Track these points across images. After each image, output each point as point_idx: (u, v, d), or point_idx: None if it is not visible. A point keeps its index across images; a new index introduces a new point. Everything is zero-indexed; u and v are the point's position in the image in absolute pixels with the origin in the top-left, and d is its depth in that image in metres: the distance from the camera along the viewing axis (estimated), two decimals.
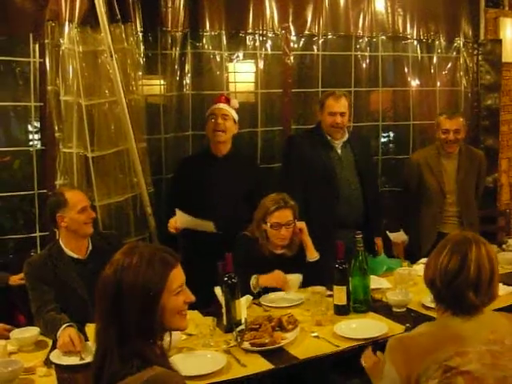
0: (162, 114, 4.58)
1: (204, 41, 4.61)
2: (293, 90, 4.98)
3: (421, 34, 5.37)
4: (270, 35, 4.83)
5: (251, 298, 3.36)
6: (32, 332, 2.94)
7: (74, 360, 2.68)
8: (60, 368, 2.64)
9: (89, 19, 4.03)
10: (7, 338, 2.97)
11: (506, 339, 1.97)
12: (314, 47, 5.00)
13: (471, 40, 5.57)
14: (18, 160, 4.23)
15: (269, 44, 4.85)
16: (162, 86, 4.59)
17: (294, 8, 4.90)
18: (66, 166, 4.05)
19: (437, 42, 5.44)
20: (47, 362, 2.68)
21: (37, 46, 4.07)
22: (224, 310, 3.01)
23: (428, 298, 3.24)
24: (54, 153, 4.10)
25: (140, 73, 4.37)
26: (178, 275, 1.80)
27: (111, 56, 3.93)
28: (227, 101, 4.16)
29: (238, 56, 4.81)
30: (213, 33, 4.63)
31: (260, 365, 2.60)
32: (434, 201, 4.63)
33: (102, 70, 4.09)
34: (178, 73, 4.58)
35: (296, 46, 4.96)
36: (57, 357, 2.72)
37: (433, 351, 1.91)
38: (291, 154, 4.37)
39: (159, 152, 4.59)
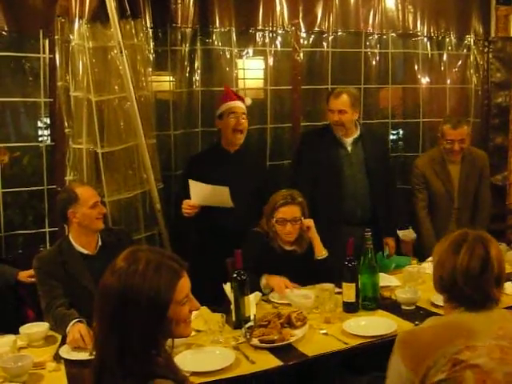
0: (171, 110, 4.58)
1: (214, 37, 4.60)
2: (302, 87, 4.96)
3: (431, 31, 5.34)
4: (279, 32, 4.82)
5: (260, 294, 3.36)
6: (41, 327, 2.95)
7: (83, 355, 2.68)
8: (69, 363, 2.64)
9: (99, 15, 4.05)
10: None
11: None
12: (324, 44, 4.99)
13: (482, 37, 5.52)
14: (27, 156, 4.24)
15: (278, 41, 4.84)
16: (172, 83, 4.59)
17: (303, 4, 4.88)
18: (76, 162, 4.06)
19: (447, 40, 5.41)
20: (57, 357, 2.69)
21: (47, 41, 4.09)
22: (233, 307, 3.01)
23: (437, 296, 3.25)
24: (64, 149, 4.11)
25: (150, 69, 4.38)
26: (185, 285, 1.73)
27: (121, 52, 3.93)
28: (238, 97, 4.15)
29: (247, 52, 4.80)
30: (222, 29, 4.63)
31: (269, 361, 2.60)
32: (442, 206, 4.62)
33: (112, 65, 4.10)
34: (188, 69, 4.57)
35: (306, 42, 4.94)
36: (66, 352, 2.73)
37: (442, 345, 1.91)
38: (301, 151, 4.39)
39: (168, 148, 4.59)
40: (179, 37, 4.50)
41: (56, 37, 4.03)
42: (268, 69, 4.84)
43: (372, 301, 3.20)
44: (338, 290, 3.24)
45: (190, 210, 3.87)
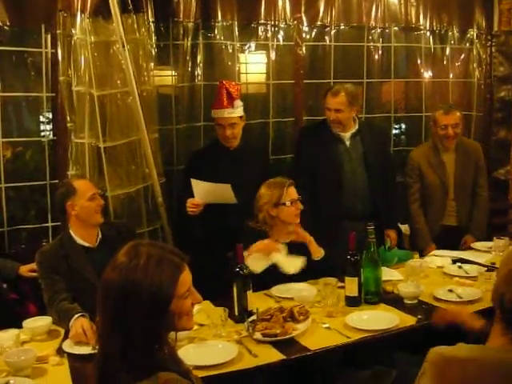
0: (173, 104, 4.58)
1: (216, 31, 4.60)
2: (305, 81, 4.96)
3: (434, 24, 5.33)
4: (282, 26, 4.82)
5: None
6: (44, 321, 2.96)
7: (86, 349, 2.69)
8: (72, 357, 2.65)
9: (101, 9, 4.03)
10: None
11: None
12: (327, 38, 4.98)
13: (484, 31, 5.51)
14: (29, 150, 4.24)
15: (281, 34, 4.83)
16: (174, 77, 4.60)
17: None
18: (78, 157, 4.06)
19: (450, 33, 5.40)
20: (60, 351, 2.70)
21: (49, 36, 4.08)
22: (235, 301, 3.01)
23: (440, 291, 3.25)
24: (66, 143, 4.11)
25: (152, 63, 4.37)
26: (186, 278, 1.72)
27: (123, 46, 3.92)
28: (230, 100, 4.08)
29: (249, 47, 4.79)
30: (225, 23, 4.62)
31: (271, 355, 2.61)
32: (437, 197, 4.63)
33: (114, 60, 4.09)
34: (190, 63, 4.57)
35: (308, 36, 4.94)
36: (69, 346, 2.74)
37: None
38: (300, 146, 4.42)
39: (171, 143, 4.60)
40: (181, 31, 4.50)
41: (58, 31, 4.02)
42: (270, 63, 4.83)
43: (374, 295, 3.20)
44: (340, 284, 3.24)
45: (194, 209, 3.89)
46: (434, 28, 5.34)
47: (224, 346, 2.69)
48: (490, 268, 3.48)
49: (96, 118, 4.00)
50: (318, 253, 3.60)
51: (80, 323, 2.80)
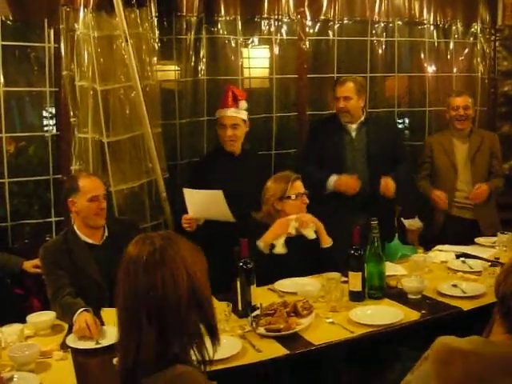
0: (176, 99, 4.58)
1: (219, 26, 4.60)
2: (308, 76, 4.96)
3: (437, 19, 5.32)
4: (285, 20, 4.81)
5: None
6: (48, 316, 2.95)
7: (90, 344, 2.69)
8: (76, 352, 2.65)
9: (104, 4, 4.03)
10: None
11: None
12: (330, 32, 4.98)
13: (488, 25, 5.49)
14: (33, 145, 4.25)
15: (284, 29, 4.83)
16: (177, 72, 4.60)
17: None
18: (81, 152, 4.06)
19: (453, 28, 5.38)
20: (63, 346, 2.70)
21: (52, 31, 4.08)
22: (239, 296, 3.01)
23: (444, 286, 3.24)
24: (69, 138, 4.11)
25: (155, 58, 4.37)
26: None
27: (126, 41, 3.92)
28: (235, 101, 4.07)
29: (253, 41, 4.80)
30: (228, 18, 4.62)
31: (275, 350, 2.60)
32: (446, 179, 4.65)
33: (117, 55, 4.09)
34: (193, 58, 4.57)
35: (311, 30, 4.93)
36: (73, 341, 2.73)
37: (482, 379, 1.69)
38: (308, 139, 4.47)
39: (174, 137, 4.60)
40: (184, 25, 4.50)
41: (61, 26, 4.02)
42: (273, 57, 4.83)
43: (378, 290, 3.19)
44: (344, 278, 3.24)
45: (188, 225, 3.83)
46: (438, 22, 5.32)
47: (228, 340, 2.67)
48: (494, 263, 3.46)
49: (99, 113, 4.01)
50: (327, 240, 3.61)
51: (84, 318, 2.79)
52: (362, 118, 4.33)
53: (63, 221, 4.10)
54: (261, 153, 4.72)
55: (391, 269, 3.52)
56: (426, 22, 5.27)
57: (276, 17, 4.77)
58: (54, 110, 4.22)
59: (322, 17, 4.93)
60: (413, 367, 1.93)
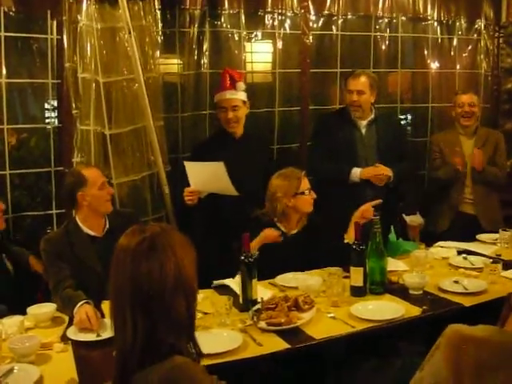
0: (179, 92, 4.57)
1: (222, 19, 4.59)
2: (311, 70, 4.95)
3: (441, 15, 5.31)
4: (288, 14, 4.80)
5: None
6: (49, 308, 2.95)
7: (90, 336, 2.69)
8: (77, 344, 2.64)
9: None
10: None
11: None
12: (333, 27, 4.97)
13: (492, 22, 5.48)
14: (34, 137, 4.24)
15: (287, 23, 4.82)
16: (180, 65, 4.59)
17: None
18: (83, 144, 4.06)
19: (457, 24, 5.37)
20: (64, 338, 2.70)
21: (54, 22, 4.08)
22: (240, 289, 3.00)
23: (445, 282, 3.24)
24: (71, 130, 4.11)
25: (158, 51, 4.36)
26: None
27: (129, 33, 3.91)
28: (233, 83, 4.08)
29: (256, 35, 4.79)
30: (231, 11, 4.61)
31: (276, 344, 2.59)
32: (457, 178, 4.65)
33: (120, 47, 4.09)
34: (196, 51, 4.56)
35: (315, 25, 4.92)
36: (73, 333, 2.73)
37: (494, 368, 1.69)
38: (318, 132, 4.45)
39: (176, 131, 4.59)
40: (187, 19, 4.49)
41: (64, 18, 4.02)
42: (277, 52, 4.82)
43: (379, 285, 3.19)
44: (345, 273, 3.23)
45: (191, 197, 3.84)
46: (442, 18, 5.32)
47: (229, 334, 2.68)
48: (496, 260, 3.46)
49: (101, 105, 4.01)
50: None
51: (84, 310, 2.79)
52: (372, 116, 4.34)
53: (64, 213, 4.10)
54: None
55: (393, 264, 3.52)
56: (429, 17, 5.27)
57: (280, 11, 4.76)
58: (56, 102, 4.21)
59: (326, 11, 4.92)
60: (413, 363, 1.92)
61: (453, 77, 5.42)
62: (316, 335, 2.67)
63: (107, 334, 2.65)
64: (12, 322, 2.75)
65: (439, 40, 5.34)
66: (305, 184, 3.63)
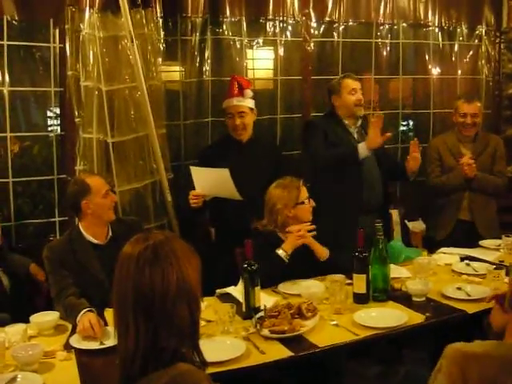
0: (181, 100, 4.59)
1: (224, 27, 4.60)
2: (312, 77, 4.96)
3: (442, 21, 5.33)
4: (290, 21, 4.82)
5: None
6: (52, 316, 2.95)
7: (93, 344, 2.69)
8: (80, 352, 2.65)
9: (109, 4, 4.05)
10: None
11: None
12: (335, 34, 4.98)
13: (493, 28, 5.50)
14: (37, 145, 4.26)
15: (289, 30, 4.84)
16: (182, 72, 4.60)
17: None
18: (86, 152, 4.07)
19: (458, 30, 5.39)
20: (67, 346, 2.70)
21: (57, 31, 4.10)
22: (243, 297, 3.00)
23: (448, 288, 3.24)
24: (74, 138, 4.12)
25: (160, 59, 4.38)
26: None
27: (131, 41, 3.93)
28: (240, 90, 4.09)
29: (257, 42, 4.80)
30: (233, 19, 4.62)
31: (279, 352, 2.59)
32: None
33: (123, 55, 4.10)
34: (198, 59, 4.58)
35: (316, 32, 4.94)
36: (77, 341, 2.73)
37: (495, 381, 1.72)
38: (315, 137, 4.27)
39: (178, 138, 4.61)
40: (189, 26, 4.51)
41: (66, 26, 4.04)
42: (278, 59, 4.83)
43: (382, 292, 3.18)
44: (348, 281, 3.23)
45: (196, 200, 3.85)
46: (443, 24, 5.33)
47: (232, 342, 2.68)
48: (499, 266, 3.46)
49: (104, 113, 4.02)
50: (323, 253, 3.58)
51: (87, 318, 2.79)
52: (360, 121, 4.30)
53: (67, 221, 4.11)
54: None
55: (395, 271, 3.51)
56: (430, 24, 5.28)
57: (281, 18, 4.77)
58: (58, 110, 4.22)
59: (327, 18, 4.94)
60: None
61: (454, 83, 5.43)
62: (319, 343, 2.66)
63: (110, 342, 2.65)
64: (15, 330, 2.75)
65: (440, 46, 5.36)
66: (304, 193, 3.59)
